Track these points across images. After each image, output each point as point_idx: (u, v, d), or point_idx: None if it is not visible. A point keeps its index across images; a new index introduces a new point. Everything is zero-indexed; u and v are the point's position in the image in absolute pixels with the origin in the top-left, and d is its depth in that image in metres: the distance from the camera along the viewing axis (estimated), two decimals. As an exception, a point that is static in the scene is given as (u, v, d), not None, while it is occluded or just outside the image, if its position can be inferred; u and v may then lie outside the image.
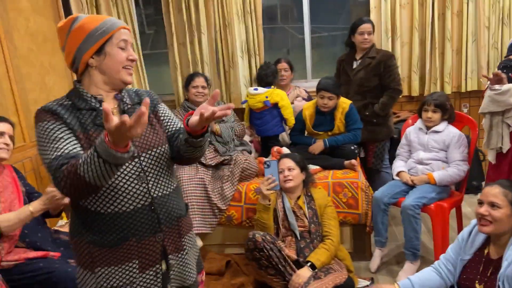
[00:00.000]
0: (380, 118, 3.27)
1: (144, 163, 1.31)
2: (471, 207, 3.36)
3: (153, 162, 1.33)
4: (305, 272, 2.24)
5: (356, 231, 2.81)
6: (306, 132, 3.22)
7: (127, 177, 1.28)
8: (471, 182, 3.58)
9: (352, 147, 3.01)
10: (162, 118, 1.44)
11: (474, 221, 1.88)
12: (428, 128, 2.73)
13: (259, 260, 2.28)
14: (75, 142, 1.25)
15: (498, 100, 2.35)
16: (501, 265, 1.66)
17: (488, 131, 2.48)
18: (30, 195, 2.15)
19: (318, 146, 3.04)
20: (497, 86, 2.33)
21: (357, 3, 4.33)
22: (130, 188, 1.28)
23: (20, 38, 2.88)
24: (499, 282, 1.64)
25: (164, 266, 1.38)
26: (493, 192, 1.71)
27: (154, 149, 1.34)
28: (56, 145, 1.21)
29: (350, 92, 3.33)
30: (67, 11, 3.57)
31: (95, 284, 1.32)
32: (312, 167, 2.90)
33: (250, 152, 3.25)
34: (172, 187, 1.39)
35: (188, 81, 3.20)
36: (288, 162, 2.52)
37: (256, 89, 3.23)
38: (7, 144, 2.05)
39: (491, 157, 2.52)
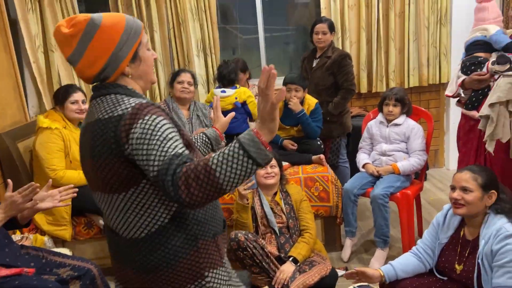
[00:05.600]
0: (333, 117, 3.37)
1: None
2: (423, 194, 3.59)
3: None
4: (288, 267, 2.26)
5: (327, 223, 2.90)
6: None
7: None
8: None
9: (319, 142, 3.10)
10: None
11: (446, 206, 2.01)
12: (388, 121, 2.89)
13: (243, 260, 2.26)
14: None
15: None
16: (478, 244, 1.80)
17: (496, 122, 2.19)
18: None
19: (297, 105, 3.01)
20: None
21: (306, 4, 4.46)
22: None
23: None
24: (478, 260, 1.77)
25: None
26: (464, 177, 1.83)
27: None
28: (175, 143, 1.06)
29: (309, 91, 3.41)
30: (7, 5, 3.25)
31: (226, 273, 1.30)
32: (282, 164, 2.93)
33: None
34: None
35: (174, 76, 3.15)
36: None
37: (224, 91, 3.19)
38: None
39: (491, 148, 2.24)
